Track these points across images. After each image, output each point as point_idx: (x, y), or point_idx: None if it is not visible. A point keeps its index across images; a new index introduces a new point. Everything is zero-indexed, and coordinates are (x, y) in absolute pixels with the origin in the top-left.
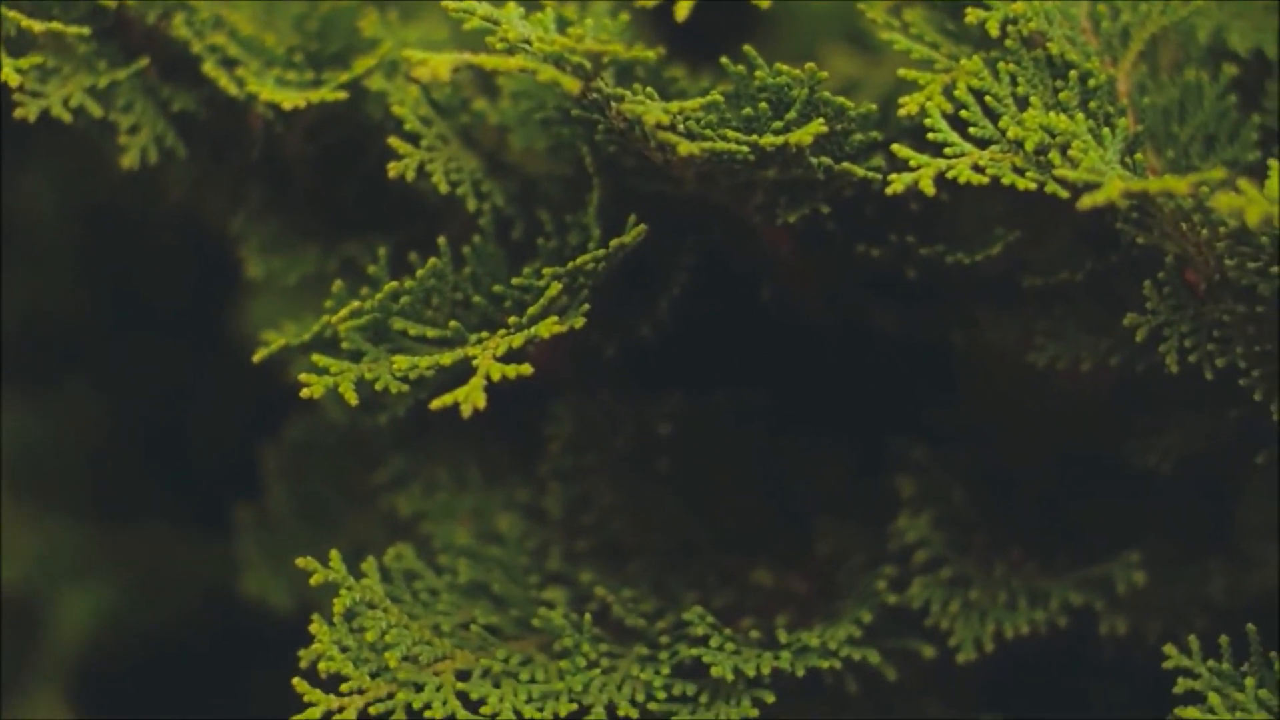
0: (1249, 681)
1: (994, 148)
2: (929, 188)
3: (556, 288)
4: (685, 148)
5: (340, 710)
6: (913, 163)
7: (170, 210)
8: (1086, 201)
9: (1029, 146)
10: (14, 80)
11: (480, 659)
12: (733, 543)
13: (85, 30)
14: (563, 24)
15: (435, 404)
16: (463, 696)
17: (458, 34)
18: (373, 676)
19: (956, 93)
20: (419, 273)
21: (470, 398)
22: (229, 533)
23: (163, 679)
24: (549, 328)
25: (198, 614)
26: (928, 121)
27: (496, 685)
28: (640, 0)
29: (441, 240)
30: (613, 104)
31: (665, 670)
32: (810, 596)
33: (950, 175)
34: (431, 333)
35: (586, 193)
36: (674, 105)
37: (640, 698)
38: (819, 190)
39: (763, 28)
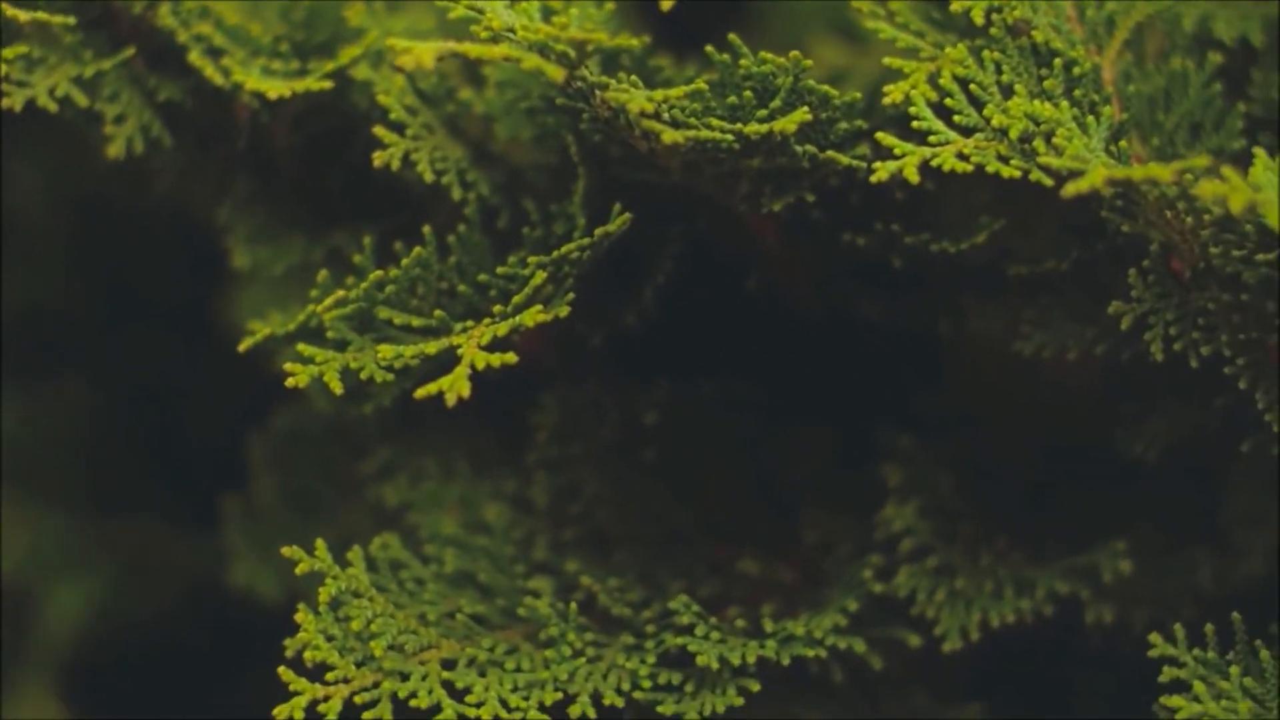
0: (1234, 670)
1: (979, 136)
2: (913, 175)
3: (541, 276)
4: (669, 136)
5: (326, 699)
6: (897, 150)
7: (159, 201)
8: (1070, 189)
9: (1013, 134)
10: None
11: (466, 648)
12: (719, 532)
13: (71, 20)
14: (547, 12)
15: (420, 393)
16: (448, 685)
17: (444, 23)
18: (358, 665)
19: (941, 81)
20: (404, 262)
21: (455, 386)
22: (218, 524)
23: (153, 670)
24: (534, 316)
25: (188, 605)
26: (912, 110)
27: (482, 674)
28: None
29: (427, 229)
30: (597, 92)
31: (651, 659)
32: (797, 585)
33: (935, 163)
34: (417, 322)
35: (572, 182)
36: (658, 93)
37: (626, 686)
38: (804, 179)
39: (751, 19)
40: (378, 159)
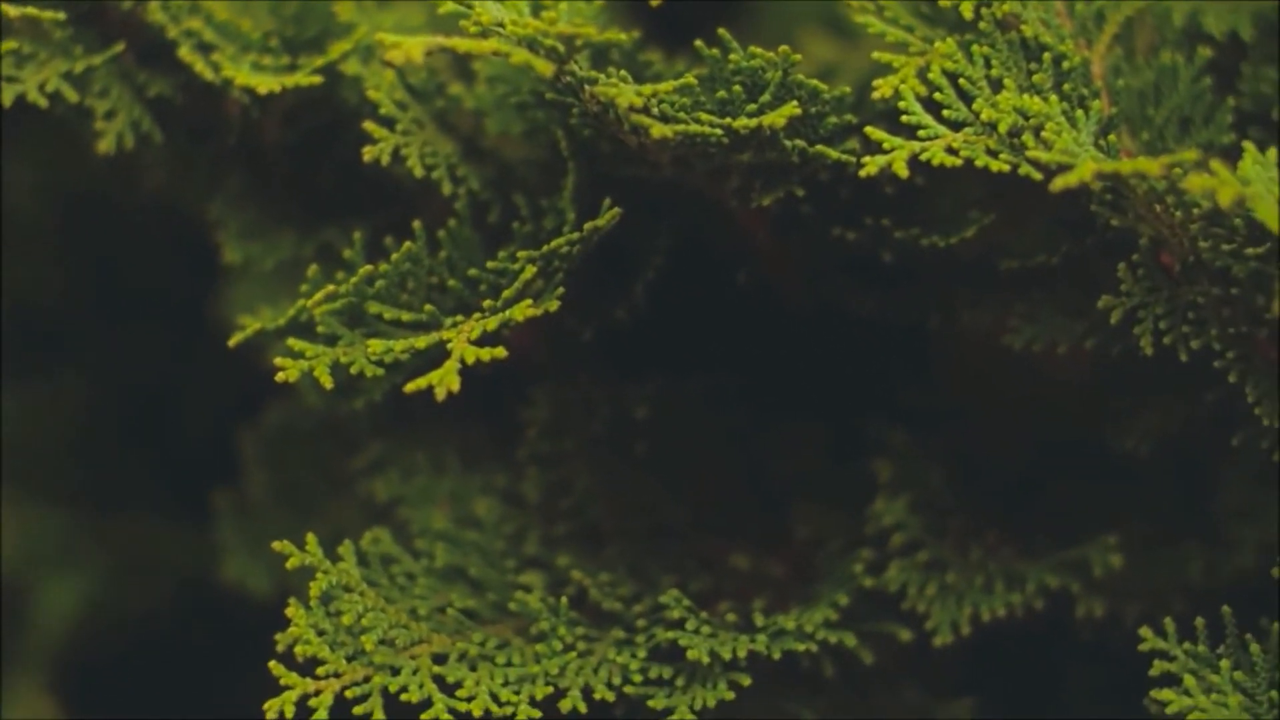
0: (1224, 663)
1: (968, 130)
2: (902, 170)
3: (531, 271)
4: (658, 130)
5: (316, 693)
6: (886, 145)
7: (151, 198)
8: (1059, 183)
9: (1002, 129)
10: None
11: (457, 642)
12: (710, 527)
13: (61, 16)
14: (537, 7)
15: (409, 387)
16: (439, 680)
17: (433, 19)
18: (349, 660)
19: (931, 75)
20: (394, 257)
21: (444, 381)
22: (211, 519)
23: (145, 665)
24: (523, 311)
25: (180, 600)
26: (901, 104)
27: (473, 669)
28: None
29: (417, 224)
30: (586, 87)
31: (642, 653)
32: (788, 580)
33: (924, 157)
34: (407, 316)
35: (562, 177)
36: (647, 88)
37: (617, 681)
38: (794, 173)
39: (742, 16)
40: (367, 154)
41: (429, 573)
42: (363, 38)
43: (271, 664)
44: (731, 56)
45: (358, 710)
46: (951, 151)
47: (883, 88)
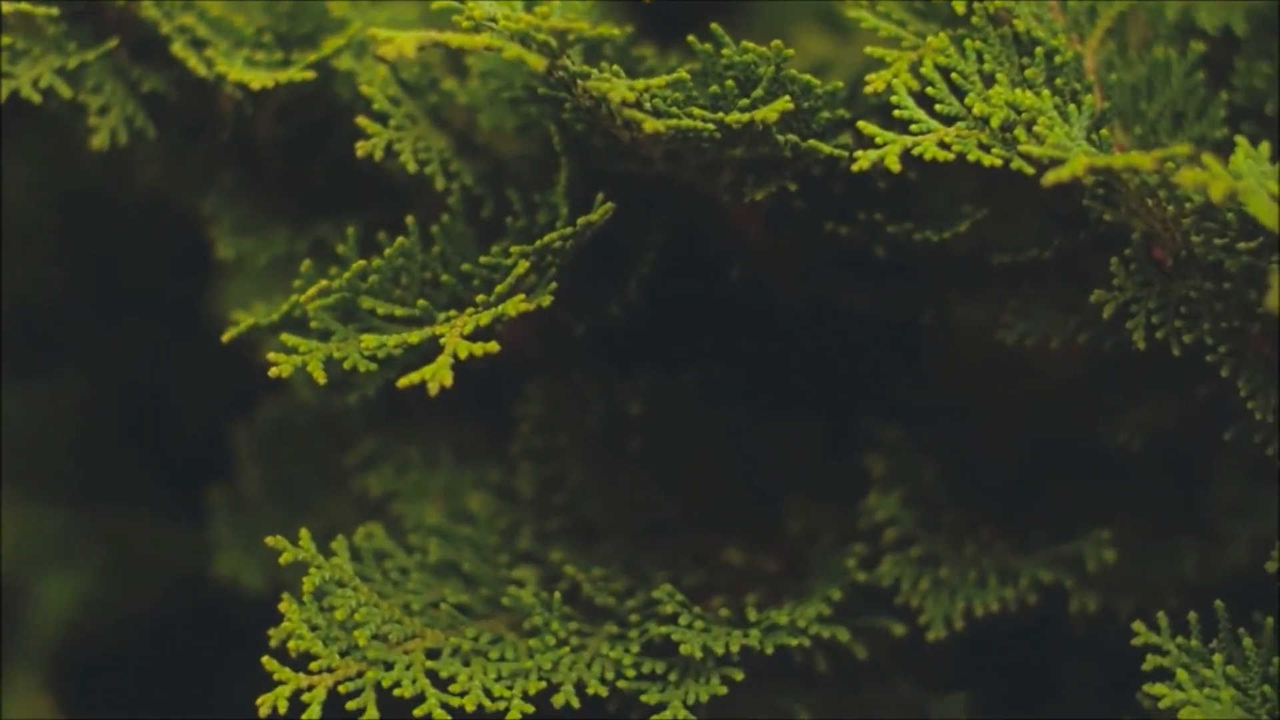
0: (1217, 658)
1: (960, 124)
2: (894, 164)
3: (524, 266)
4: (650, 125)
5: (310, 688)
6: (879, 139)
7: (146, 195)
8: (1051, 177)
9: (994, 123)
10: None
11: (450, 637)
12: (704, 522)
13: (54, 11)
14: (530, 2)
15: (402, 382)
16: (432, 675)
17: (427, 15)
18: (342, 655)
19: (923, 70)
20: (387, 252)
21: (437, 376)
22: (206, 515)
23: (141, 661)
24: (516, 306)
25: (176, 597)
26: (894, 98)
27: (466, 663)
28: None
29: (410, 219)
30: (579, 81)
31: (635, 648)
32: (781, 575)
33: (916, 152)
34: (400, 311)
35: (555, 172)
36: (639, 83)
37: (610, 676)
38: (786, 168)
39: (738, 12)
40: (360, 149)
41: (422, 568)
42: (356, 33)
43: (265, 659)
44: (724, 51)
45: (351, 705)
46: (944, 146)
47: (875, 82)
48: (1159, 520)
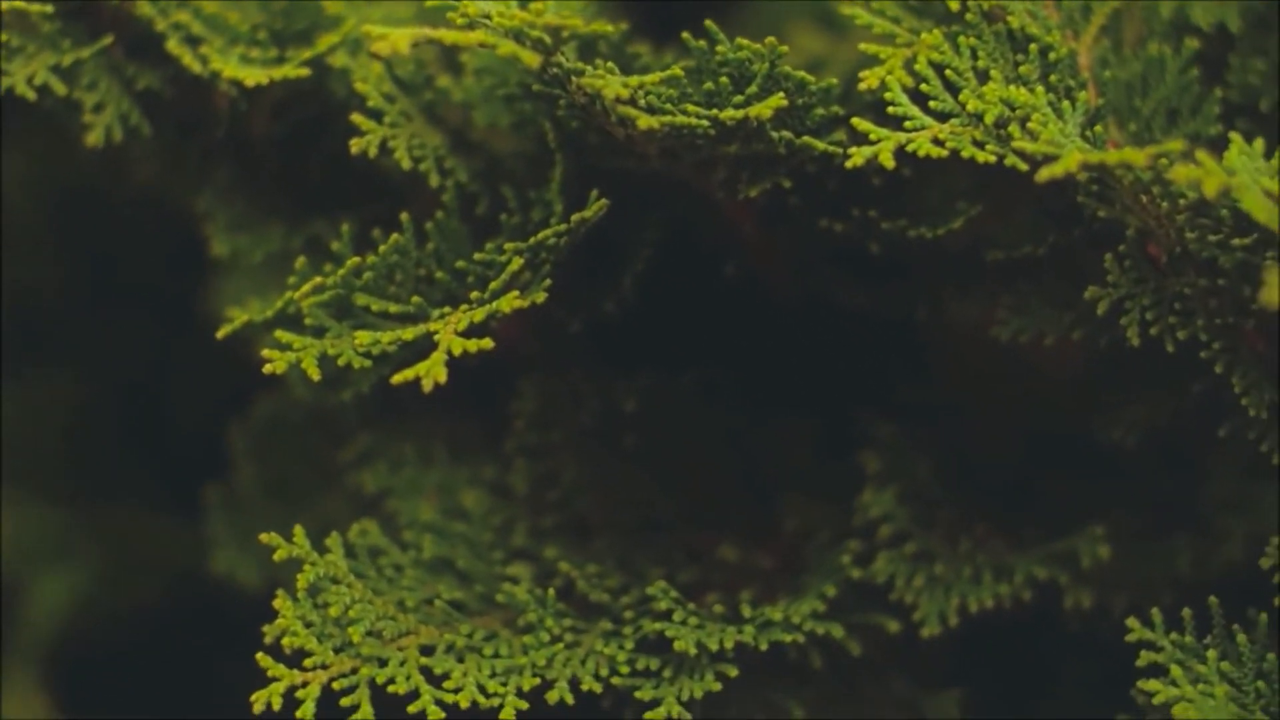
0: (1211, 654)
1: (954, 121)
2: (888, 161)
3: (518, 263)
4: (645, 122)
5: (304, 685)
6: (873, 136)
7: (142, 191)
8: (1045, 174)
9: (989, 120)
10: None
11: (444, 634)
12: (699, 519)
13: (49, 8)
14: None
15: (396, 378)
16: (426, 671)
17: (422, 12)
18: (336, 652)
19: (917, 67)
20: (382, 249)
21: (432, 372)
22: (202, 512)
23: (136, 658)
24: (510, 302)
25: (172, 594)
26: (888, 95)
27: (460, 660)
28: None
29: (404, 216)
30: (573, 78)
31: (629, 645)
32: (776, 572)
33: (910, 149)
34: (394, 308)
35: (550, 169)
36: (633, 79)
37: (604, 672)
38: (780, 165)
39: (734, 10)
40: (355, 146)
41: (416, 564)
42: (351, 30)
43: (259, 655)
44: (718, 48)
45: (345, 702)
46: (938, 143)
47: (869, 79)
48: (1154, 517)
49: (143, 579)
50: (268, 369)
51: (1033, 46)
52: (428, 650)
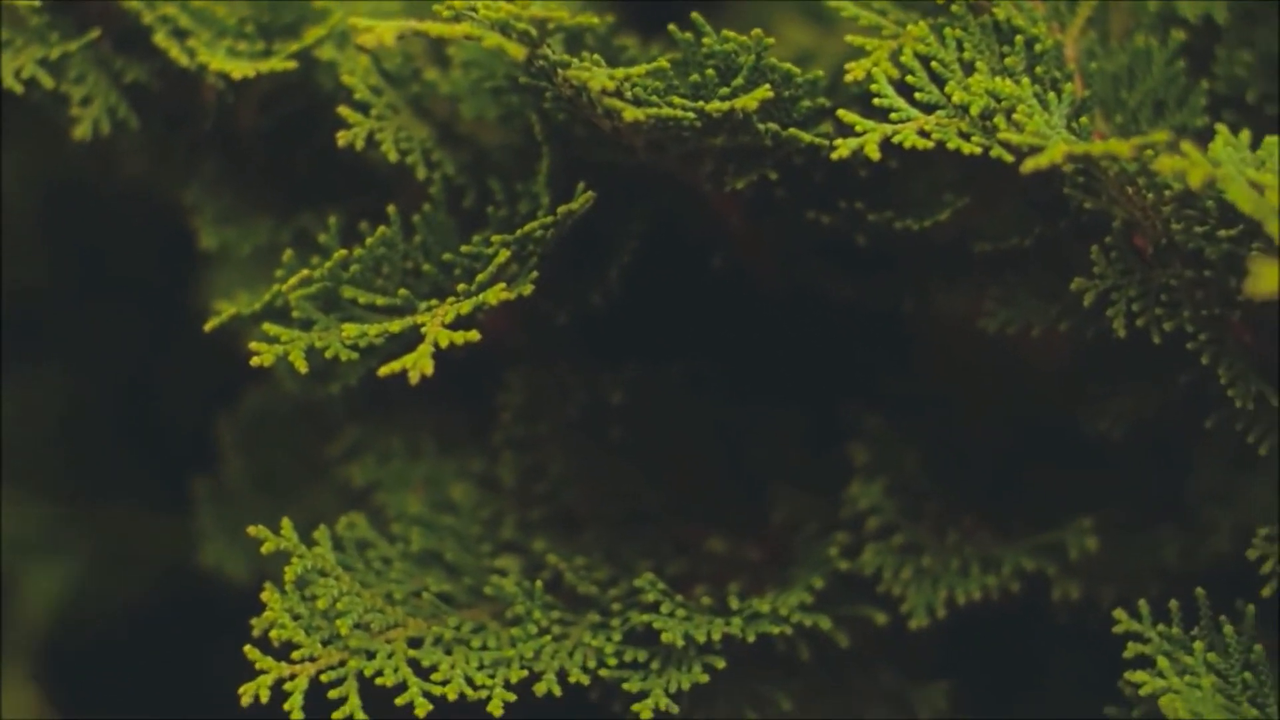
0: (1198, 645)
1: (940, 113)
2: (874, 152)
3: (505, 255)
4: (631, 114)
5: (292, 678)
6: (858, 128)
7: (130, 184)
8: (1030, 165)
9: (974, 111)
10: None
11: (432, 626)
12: (687, 511)
13: (36, 2)
14: None
15: (383, 370)
16: (414, 664)
17: (409, 4)
18: (324, 644)
19: (903, 58)
20: (369, 241)
21: (419, 364)
22: (191, 506)
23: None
24: (497, 295)
25: (164, 587)
26: (874, 87)
27: (448, 652)
28: None
29: (392, 209)
30: (559, 71)
31: (617, 637)
32: (764, 564)
33: (896, 140)
34: (381, 301)
35: (537, 161)
36: (619, 71)
37: (592, 664)
38: (767, 157)
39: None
40: (342, 139)
41: (405, 557)
42: (338, 23)
43: (247, 648)
44: (705, 40)
45: (333, 694)
46: (923, 134)
47: (855, 70)
48: (1141, 508)
49: (133, 572)
50: (255, 362)
51: (1019, 38)
52: (416, 643)
